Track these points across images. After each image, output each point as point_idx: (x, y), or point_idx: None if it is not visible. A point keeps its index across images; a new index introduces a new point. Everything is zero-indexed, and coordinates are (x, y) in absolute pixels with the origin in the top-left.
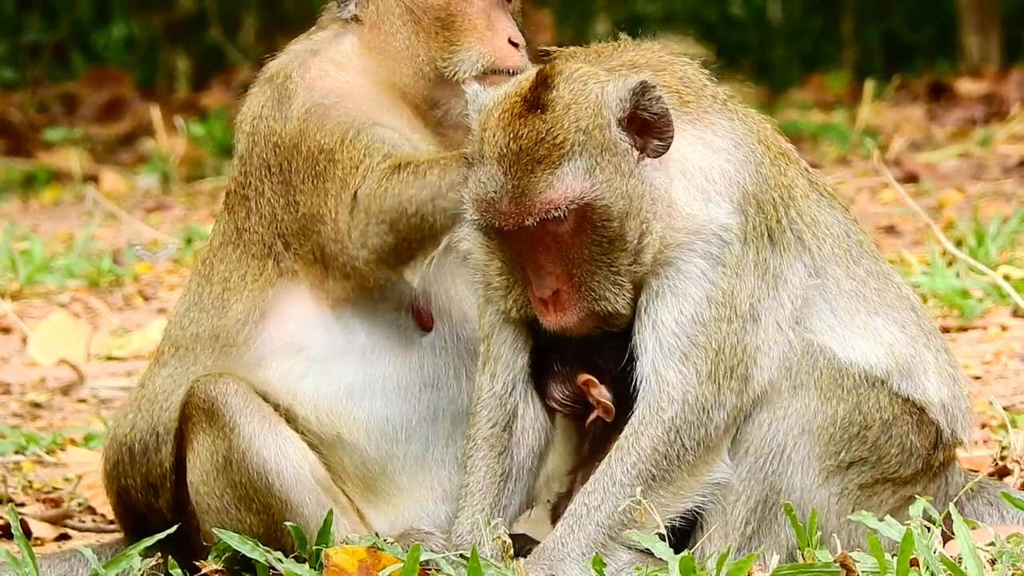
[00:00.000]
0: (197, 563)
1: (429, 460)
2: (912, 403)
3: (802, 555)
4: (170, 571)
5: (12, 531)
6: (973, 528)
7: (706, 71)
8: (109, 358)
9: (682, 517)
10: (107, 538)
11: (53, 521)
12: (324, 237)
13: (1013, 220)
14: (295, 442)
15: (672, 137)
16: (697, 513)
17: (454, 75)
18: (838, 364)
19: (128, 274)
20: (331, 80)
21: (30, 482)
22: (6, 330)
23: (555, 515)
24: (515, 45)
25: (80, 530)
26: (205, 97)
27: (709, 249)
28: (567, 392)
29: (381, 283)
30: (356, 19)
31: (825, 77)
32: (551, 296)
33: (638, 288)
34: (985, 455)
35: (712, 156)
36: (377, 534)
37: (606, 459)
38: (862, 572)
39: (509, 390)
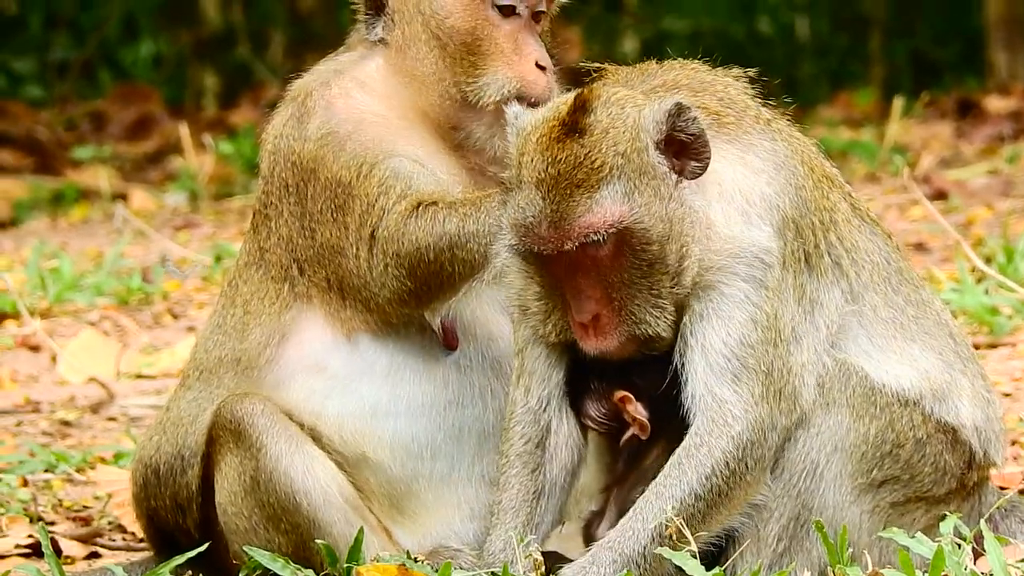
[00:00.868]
0: None
1: (455, 478)
2: (945, 424)
3: (833, 572)
4: None
5: (43, 549)
6: (1005, 545)
7: (750, 90)
8: (139, 376)
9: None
10: (137, 556)
11: (83, 539)
12: (345, 270)
13: None
14: (322, 461)
15: (709, 158)
16: (729, 530)
17: (479, 100)
18: (871, 383)
19: (157, 292)
20: (352, 101)
21: (60, 500)
22: (35, 348)
23: (587, 533)
24: (542, 68)
25: (110, 548)
26: (233, 115)
27: (752, 272)
28: (603, 409)
29: (405, 320)
30: (383, 41)
31: (853, 94)
32: (591, 320)
33: (679, 311)
34: (1016, 472)
35: (753, 178)
36: (408, 552)
37: (661, 475)
38: None
39: (543, 405)
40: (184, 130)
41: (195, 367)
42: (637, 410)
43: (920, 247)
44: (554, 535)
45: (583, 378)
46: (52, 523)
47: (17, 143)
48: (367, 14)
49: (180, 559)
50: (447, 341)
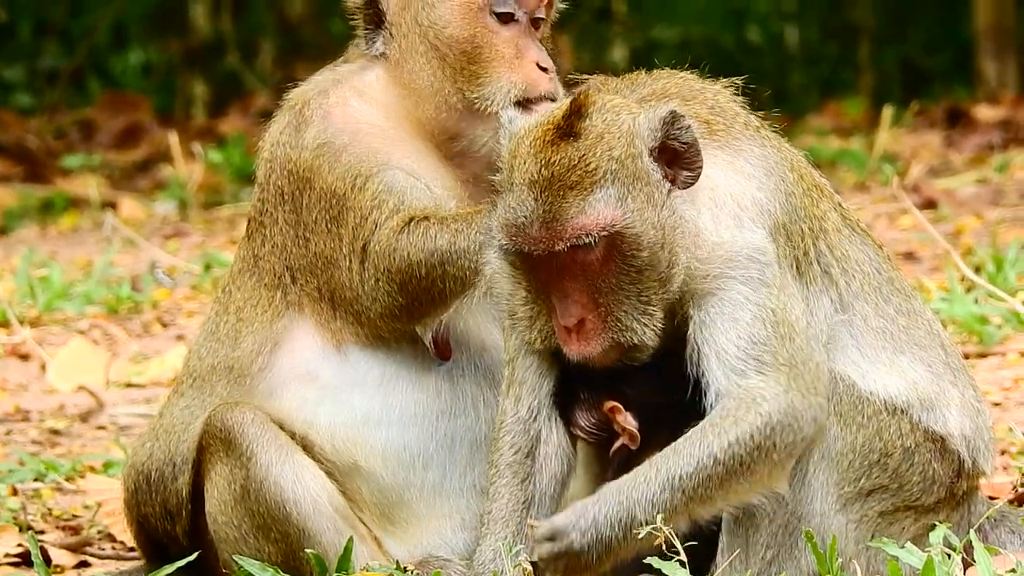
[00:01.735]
0: None
1: (447, 488)
2: (933, 433)
3: None
4: None
5: (32, 559)
6: (995, 555)
7: (739, 99)
8: (128, 385)
9: (703, 542)
10: (127, 566)
11: (73, 548)
12: (337, 282)
13: None
14: (312, 470)
15: (701, 167)
16: (717, 537)
17: (486, 107)
18: (858, 392)
19: (147, 301)
20: (349, 111)
21: (50, 509)
22: (25, 357)
23: None
24: (544, 70)
25: (100, 557)
26: (223, 123)
27: (748, 274)
28: (592, 419)
29: (396, 333)
30: (383, 55)
31: (842, 103)
32: (576, 325)
33: (670, 319)
34: (1005, 482)
35: (744, 183)
36: (397, 562)
37: (682, 437)
38: None
39: (534, 415)
40: (173, 139)
41: (188, 374)
42: (627, 420)
43: (910, 256)
44: None
45: (573, 388)
46: (42, 532)
47: (6, 151)
48: (367, 28)
49: (170, 568)
50: (439, 351)
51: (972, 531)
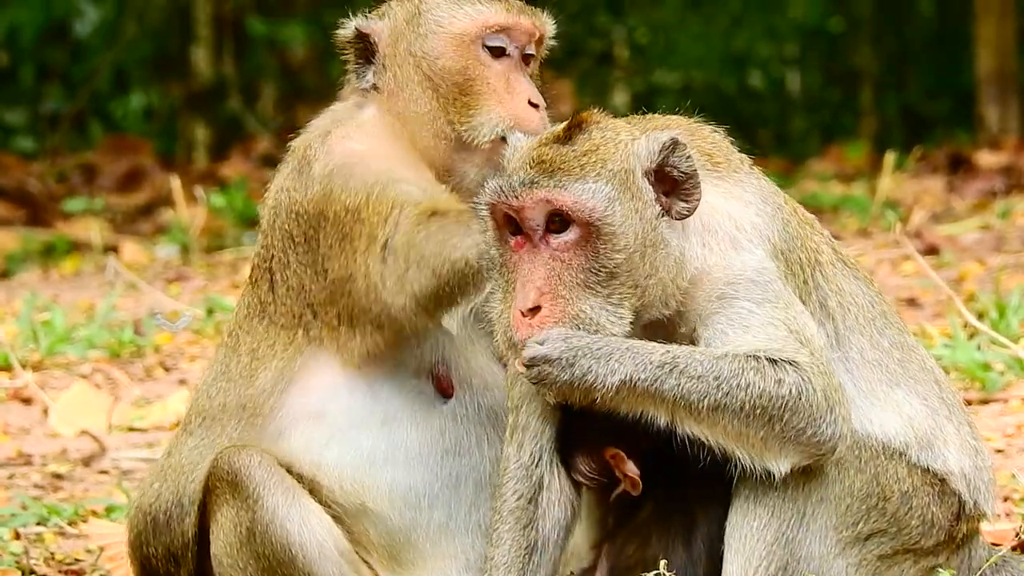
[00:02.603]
0: None
1: (452, 528)
2: (933, 473)
3: None
4: None
5: None
6: None
7: (731, 139)
8: (130, 429)
9: None
10: None
11: None
12: (355, 295)
13: None
14: (318, 514)
15: (698, 201)
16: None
17: (474, 140)
18: (855, 436)
19: (149, 345)
20: (353, 143)
21: (52, 554)
22: (27, 401)
23: None
24: (535, 106)
25: None
26: (224, 167)
27: (751, 293)
28: (594, 465)
29: (418, 331)
30: (375, 88)
31: (844, 148)
32: (530, 311)
33: (662, 332)
34: (1008, 528)
35: (742, 208)
36: None
37: (711, 349)
38: None
39: (536, 460)
40: (175, 182)
41: (197, 413)
42: (629, 468)
43: (912, 302)
44: None
45: (575, 434)
46: None
47: (8, 195)
48: (357, 63)
49: None
50: (442, 389)
51: None
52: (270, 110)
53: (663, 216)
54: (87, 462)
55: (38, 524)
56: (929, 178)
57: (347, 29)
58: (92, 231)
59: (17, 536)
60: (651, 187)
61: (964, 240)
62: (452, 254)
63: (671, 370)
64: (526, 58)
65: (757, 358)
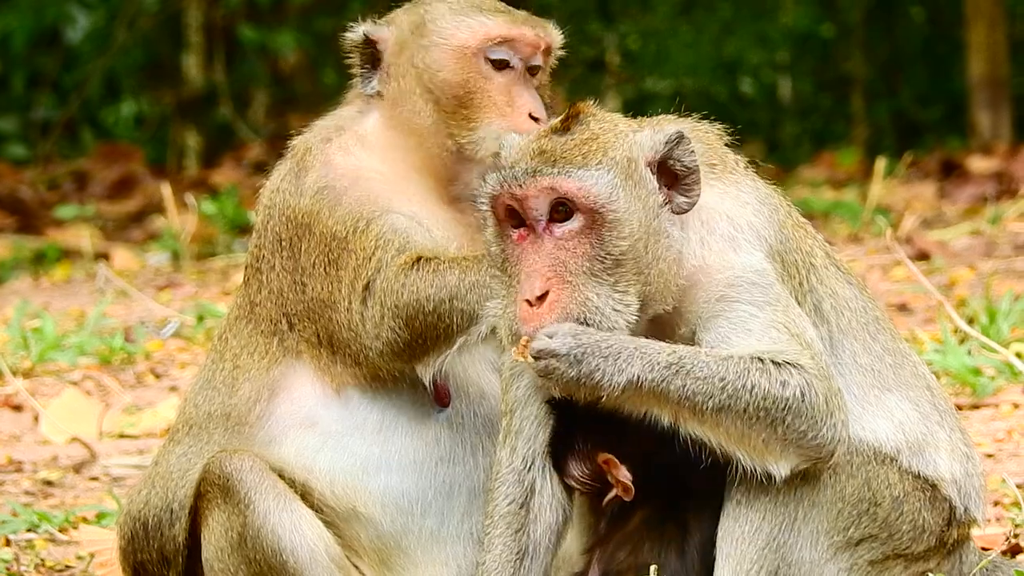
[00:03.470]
0: None
1: (444, 535)
2: (924, 479)
3: None
4: None
5: None
6: None
7: (728, 142)
8: (121, 436)
9: None
10: None
11: None
12: (335, 324)
13: None
14: (310, 519)
15: (698, 195)
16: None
17: (475, 153)
18: (847, 441)
19: (140, 352)
20: (350, 159)
21: (43, 560)
22: (18, 408)
23: None
24: (536, 120)
25: None
26: (216, 174)
27: (752, 296)
28: (586, 470)
29: (395, 375)
30: (379, 95)
31: (836, 154)
32: (537, 299)
33: (662, 329)
34: (998, 533)
35: (740, 208)
36: None
37: (718, 350)
38: None
39: (528, 465)
40: (166, 190)
41: (184, 422)
42: (622, 473)
43: (903, 308)
44: None
45: (568, 439)
46: None
47: None
48: (363, 68)
49: None
50: (439, 398)
51: None
52: (261, 117)
53: (664, 207)
54: (78, 469)
55: (29, 531)
56: (920, 184)
57: (355, 33)
58: (83, 238)
59: (8, 543)
60: (653, 178)
61: (955, 246)
62: (426, 306)
63: (677, 371)
64: (533, 69)
65: (762, 360)
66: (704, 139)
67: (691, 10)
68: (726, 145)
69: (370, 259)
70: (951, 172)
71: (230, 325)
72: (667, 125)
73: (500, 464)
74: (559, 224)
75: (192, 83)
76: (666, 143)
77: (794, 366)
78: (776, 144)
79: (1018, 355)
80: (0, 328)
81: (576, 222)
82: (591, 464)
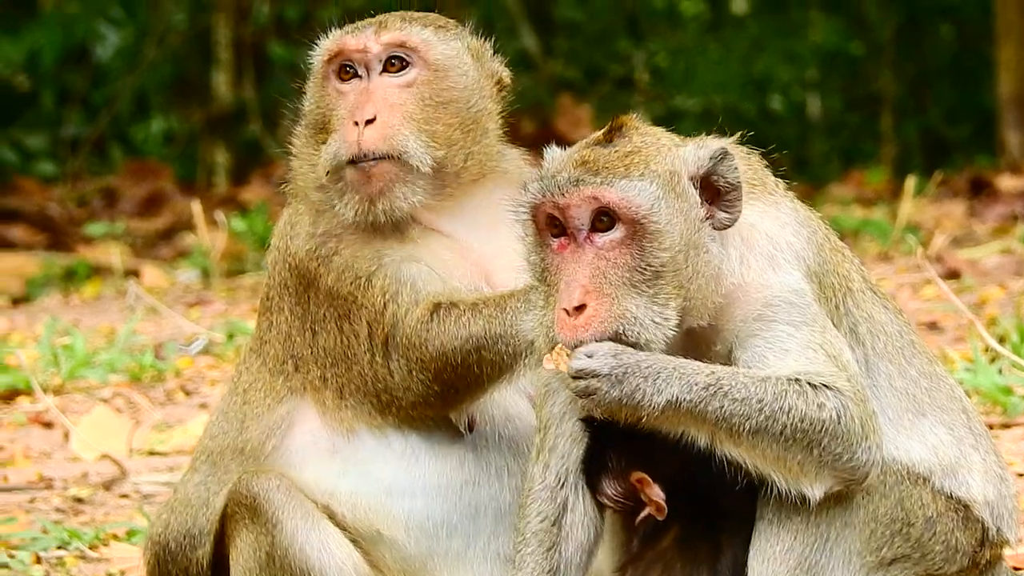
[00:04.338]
0: None
1: (470, 556)
2: (956, 500)
3: None
4: None
5: None
6: None
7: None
8: (151, 453)
9: None
10: None
11: None
12: (358, 375)
13: None
14: (338, 538)
15: (739, 212)
16: None
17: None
18: (881, 463)
19: (170, 369)
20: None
21: None
22: (48, 425)
23: None
24: (370, 122)
25: None
26: (245, 191)
27: (790, 316)
28: (619, 489)
29: (428, 420)
30: None
31: (865, 172)
32: (576, 310)
33: (698, 345)
34: None
35: (779, 228)
36: None
37: (750, 372)
38: None
39: (561, 482)
40: (196, 207)
41: (202, 451)
42: (655, 492)
43: (933, 327)
44: None
45: (601, 456)
46: None
47: (29, 219)
48: None
49: None
50: (466, 421)
51: None
52: (291, 134)
53: (705, 222)
54: (108, 486)
55: (59, 548)
56: (950, 202)
57: None
58: (113, 255)
59: (38, 560)
60: (695, 192)
61: (985, 264)
62: (453, 359)
63: (715, 391)
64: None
65: (799, 381)
66: (746, 160)
67: (720, 28)
68: (765, 166)
69: (383, 314)
70: (980, 191)
71: (244, 358)
72: (712, 141)
73: (533, 481)
74: (600, 234)
75: (221, 100)
76: (711, 158)
77: (831, 388)
78: (805, 162)
79: None
80: (30, 345)
81: (618, 232)
82: (624, 482)
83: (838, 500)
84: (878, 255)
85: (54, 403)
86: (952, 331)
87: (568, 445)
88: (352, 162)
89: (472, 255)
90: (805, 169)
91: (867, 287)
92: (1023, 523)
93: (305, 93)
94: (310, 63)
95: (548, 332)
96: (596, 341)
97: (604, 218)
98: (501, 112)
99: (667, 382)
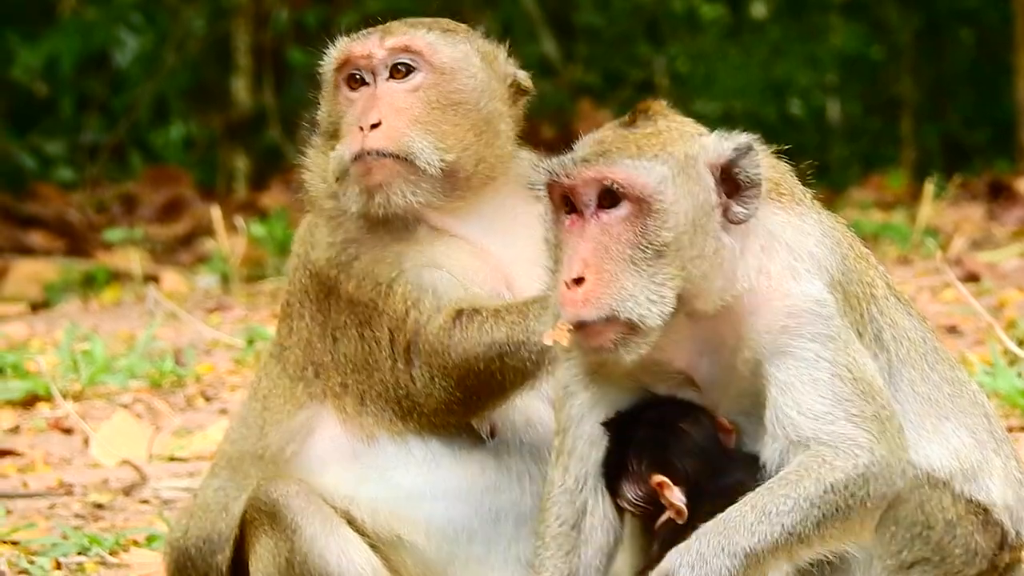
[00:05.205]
0: None
1: (492, 560)
2: (976, 504)
3: None
4: None
5: None
6: None
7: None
8: (171, 459)
9: None
10: None
11: None
12: (379, 383)
13: None
14: (357, 543)
15: (756, 209)
16: None
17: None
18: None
19: (190, 374)
20: (343, 224)
21: None
22: (68, 431)
23: None
24: (375, 127)
25: None
26: (265, 197)
27: (816, 329)
28: (640, 492)
29: (450, 427)
30: None
31: (884, 176)
32: (575, 282)
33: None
34: None
35: (802, 238)
36: None
37: (772, 483)
38: None
39: (580, 485)
40: (216, 212)
41: (221, 456)
42: (675, 495)
43: (952, 330)
44: None
45: (621, 460)
46: None
47: (48, 225)
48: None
49: None
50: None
51: None
52: (307, 143)
53: (717, 209)
54: (128, 492)
55: (79, 554)
56: (969, 206)
57: None
58: (132, 261)
59: (58, 566)
60: (712, 180)
61: (1004, 267)
62: (476, 365)
63: (764, 519)
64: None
65: (827, 445)
66: (775, 166)
67: (740, 32)
68: (792, 173)
69: (404, 321)
70: (999, 194)
71: (265, 362)
72: (739, 134)
73: (552, 484)
74: (607, 211)
75: (241, 106)
76: (735, 149)
77: (857, 445)
78: (825, 166)
79: None
80: (50, 351)
81: (622, 209)
82: (644, 486)
83: None
84: (897, 258)
85: (74, 409)
86: (971, 334)
87: (587, 448)
88: (356, 159)
89: (492, 260)
90: (825, 173)
91: (891, 293)
92: None
93: (319, 103)
94: (321, 73)
95: (554, 308)
96: (593, 320)
97: (610, 196)
98: (517, 116)
99: (730, 539)
